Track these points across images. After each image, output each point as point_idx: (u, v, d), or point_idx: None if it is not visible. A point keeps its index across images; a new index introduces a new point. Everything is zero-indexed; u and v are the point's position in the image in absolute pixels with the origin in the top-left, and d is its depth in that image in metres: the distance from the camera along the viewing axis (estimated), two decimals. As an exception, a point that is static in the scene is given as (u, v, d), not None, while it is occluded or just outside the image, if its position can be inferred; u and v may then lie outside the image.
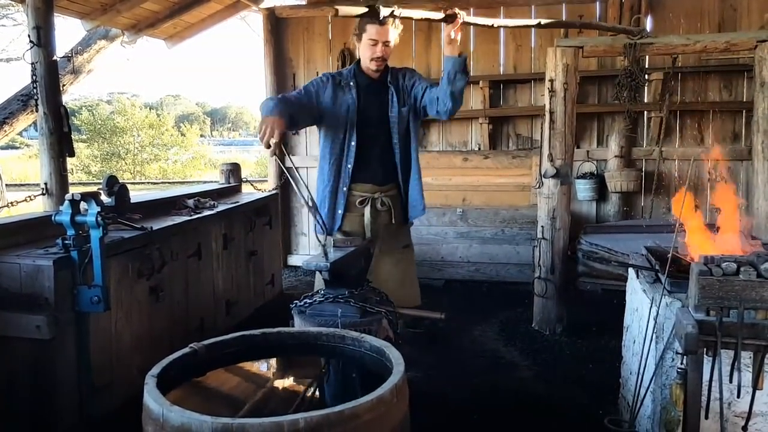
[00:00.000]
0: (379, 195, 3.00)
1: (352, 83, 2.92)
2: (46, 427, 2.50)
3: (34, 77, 3.65)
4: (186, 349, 1.86)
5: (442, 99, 2.80)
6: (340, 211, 2.94)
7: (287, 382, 2.14)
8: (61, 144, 3.71)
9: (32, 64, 3.64)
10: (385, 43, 2.85)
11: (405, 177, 3.04)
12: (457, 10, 2.66)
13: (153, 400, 1.54)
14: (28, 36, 3.66)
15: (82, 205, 2.49)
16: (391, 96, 2.96)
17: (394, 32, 2.87)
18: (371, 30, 2.79)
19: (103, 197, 2.81)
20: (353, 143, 2.91)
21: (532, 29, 5.71)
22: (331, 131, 2.95)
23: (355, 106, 2.90)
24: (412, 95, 2.98)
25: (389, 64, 3.02)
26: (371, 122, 2.95)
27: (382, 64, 2.93)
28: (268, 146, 2.43)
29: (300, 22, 6.23)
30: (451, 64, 2.73)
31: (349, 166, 2.94)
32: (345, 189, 2.94)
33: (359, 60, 2.96)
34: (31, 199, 3.86)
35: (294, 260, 6.41)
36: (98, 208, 2.43)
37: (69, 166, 3.95)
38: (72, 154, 3.82)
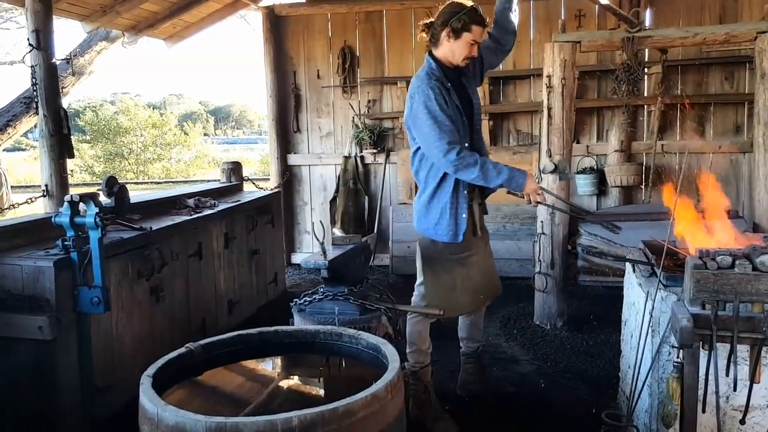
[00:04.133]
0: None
1: (449, 85, 2.74)
2: (49, 427, 2.53)
3: (33, 80, 3.68)
4: (182, 349, 1.88)
5: (510, 30, 2.85)
6: (464, 216, 2.77)
7: (283, 380, 2.15)
8: (61, 146, 3.74)
9: (32, 67, 3.67)
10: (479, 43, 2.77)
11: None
12: None
13: (148, 399, 1.56)
14: (28, 39, 3.68)
15: (81, 207, 2.51)
16: (469, 83, 2.87)
17: None
18: (477, 31, 2.68)
19: (103, 198, 2.83)
20: (467, 144, 2.74)
21: (531, 24, 5.71)
22: None
23: (461, 107, 2.75)
24: (477, 65, 2.89)
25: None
26: (470, 116, 2.83)
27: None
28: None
29: (299, 20, 6.24)
30: None
31: None
32: (466, 192, 2.78)
33: (432, 55, 2.78)
34: (32, 201, 3.90)
35: (297, 258, 6.42)
36: (97, 209, 2.44)
37: (73, 167, 4.00)
38: (72, 155, 3.85)
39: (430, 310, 2.95)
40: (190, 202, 4.00)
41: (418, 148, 2.78)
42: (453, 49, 2.72)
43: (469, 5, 2.69)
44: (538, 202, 2.73)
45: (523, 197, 2.73)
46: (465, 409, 3.08)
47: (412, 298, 2.99)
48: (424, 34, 2.81)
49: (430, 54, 2.80)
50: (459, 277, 2.84)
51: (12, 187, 9.24)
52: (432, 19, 2.76)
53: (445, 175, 2.74)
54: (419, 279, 2.94)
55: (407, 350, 2.97)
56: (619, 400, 2.99)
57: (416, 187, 3.01)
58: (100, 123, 18.18)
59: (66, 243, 2.54)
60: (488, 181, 2.65)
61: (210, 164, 19.06)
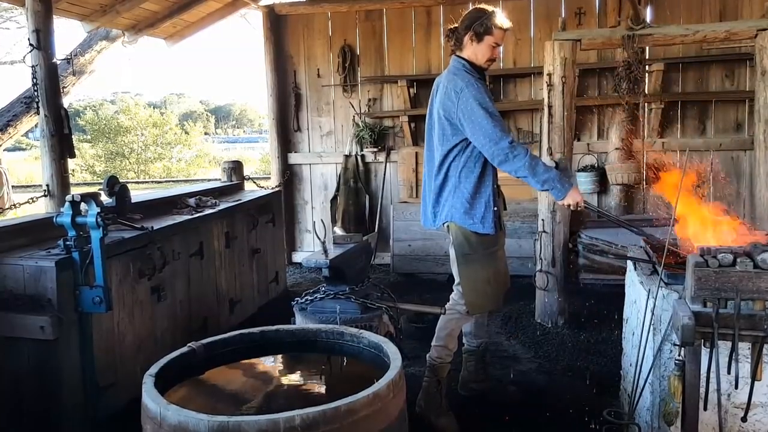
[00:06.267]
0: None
1: (483, 83, 2.85)
2: (51, 426, 2.53)
3: (34, 80, 3.67)
4: (184, 348, 1.88)
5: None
6: (495, 209, 2.85)
7: (285, 379, 2.15)
8: (61, 145, 3.73)
9: (32, 67, 3.67)
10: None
11: None
12: None
13: (151, 399, 1.56)
14: (28, 39, 3.68)
15: (83, 206, 2.51)
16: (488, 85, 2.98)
17: None
18: (499, 34, 2.81)
19: (104, 198, 2.83)
20: None
21: (531, 22, 5.71)
22: None
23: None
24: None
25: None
26: None
27: None
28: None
29: (299, 19, 6.24)
30: None
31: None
32: (495, 187, 2.89)
33: (461, 57, 2.87)
34: (33, 201, 3.90)
35: (298, 257, 6.43)
36: (98, 209, 2.45)
37: (74, 167, 4.00)
38: (72, 155, 3.85)
39: (431, 309, 2.96)
40: (191, 201, 4.01)
41: (455, 145, 2.80)
42: (476, 52, 2.84)
43: (490, 10, 2.81)
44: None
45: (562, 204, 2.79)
46: (466, 407, 3.08)
47: (452, 296, 2.98)
48: (448, 39, 2.93)
49: (457, 55, 2.89)
50: (491, 271, 2.90)
51: (13, 186, 9.24)
52: (456, 25, 2.89)
53: (483, 170, 2.80)
54: (456, 279, 2.95)
55: (433, 342, 2.98)
56: (621, 398, 2.99)
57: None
58: (101, 122, 18.19)
59: (67, 243, 2.54)
60: (535, 175, 2.67)
61: (211, 163, 19.07)
